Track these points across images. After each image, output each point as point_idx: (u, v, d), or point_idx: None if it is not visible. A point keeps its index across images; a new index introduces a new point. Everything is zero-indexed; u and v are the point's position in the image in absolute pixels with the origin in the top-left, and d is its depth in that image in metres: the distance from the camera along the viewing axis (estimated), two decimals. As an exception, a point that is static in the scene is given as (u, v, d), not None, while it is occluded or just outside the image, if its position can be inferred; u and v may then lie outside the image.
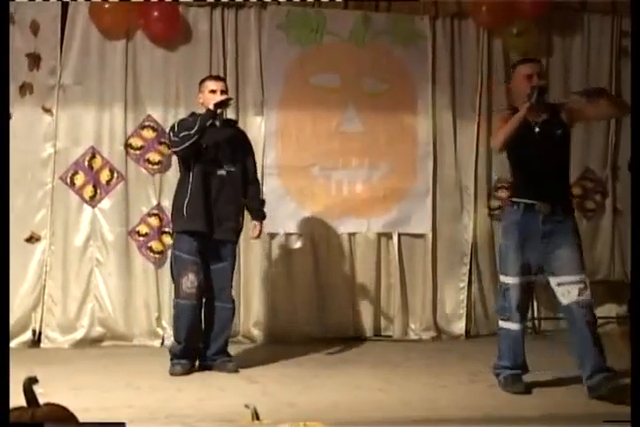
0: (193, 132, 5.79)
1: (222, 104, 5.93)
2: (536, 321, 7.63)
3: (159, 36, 7.06)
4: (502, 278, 5.43)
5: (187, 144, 5.82)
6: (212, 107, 5.86)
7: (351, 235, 7.48)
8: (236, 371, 5.93)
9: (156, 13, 6.93)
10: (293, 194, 7.39)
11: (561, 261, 5.20)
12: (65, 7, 6.91)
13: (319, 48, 7.43)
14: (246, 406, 4.31)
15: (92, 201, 7.01)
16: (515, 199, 5.37)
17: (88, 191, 7.00)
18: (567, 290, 5.14)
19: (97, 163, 7.02)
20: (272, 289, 7.30)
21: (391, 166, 7.53)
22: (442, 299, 7.60)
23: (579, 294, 5.14)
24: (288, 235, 7.36)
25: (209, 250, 5.94)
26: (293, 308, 7.32)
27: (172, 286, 6.16)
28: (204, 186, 5.89)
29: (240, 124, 7.18)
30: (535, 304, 7.63)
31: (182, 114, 6.93)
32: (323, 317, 7.37)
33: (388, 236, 7.54)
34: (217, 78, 6.17)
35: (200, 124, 5.80)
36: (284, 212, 7.33)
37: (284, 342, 7.07)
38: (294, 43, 7.37)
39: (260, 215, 6.18)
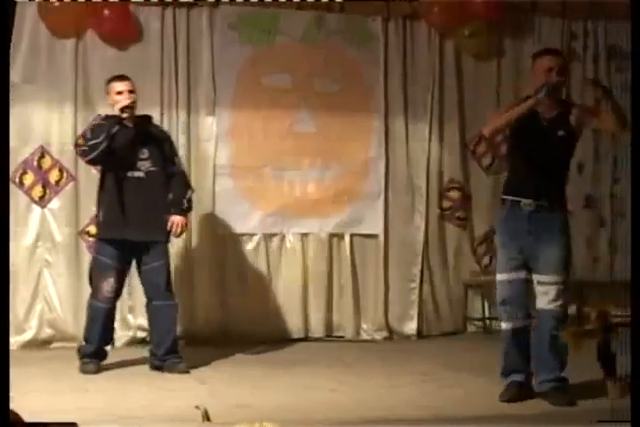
0: (100, 140, 5.74)
1: (128, 108, 5.85)
2: (487, 321, 7.68)
3: (110, 35, 6.99)
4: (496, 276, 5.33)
5: (94, 154, 5.77)
6: (117, 112, 5.82)
7: (303, 235, 7.47)
8: (187, 372, 5.90)
9: (106, 12, 6.87)
10: (245, 194, 7.36)
11: (544, 260, 5.11)
12: (13, 5, 6.80)
13: (272, 48, 7.42)
14: (197, 408, 4.29)
15: (42, 201, 6.94)
16: (503, 197, 5.28)
17: (37, 191, 6.93)
18: (545, 291, 5.09)
19: (46, 162, 6.95)
20: (224, 290, 7.28)
21: (343, 167, 7.54)
22: (394, 299, 7.62)
23: (555, 299, 5.07)
24: (239, 236, 7.33)
25: (137, 252, 5.91)
26: (245, 308, 7.28)
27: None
28: (118, 191, 5.84)
29: (191, 124, 7.19)
30: (486, 304, 7.70)
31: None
32: (274, 317, 7.35)
33: (340, 236, 7.54)
34: (122, 78, 6.00)
35: (106, 133, 5.75)
36: (236, 212, 7.31)
37: (235, 343, 7.04)
38: (246, 42, 7.35)
39: (177, 209, 5.99)
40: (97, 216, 6.07)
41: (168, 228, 5.94)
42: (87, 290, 6.90)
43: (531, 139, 5.12)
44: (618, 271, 8.09)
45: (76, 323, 6.90)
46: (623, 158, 8.08)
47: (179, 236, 6.08)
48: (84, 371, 5.89)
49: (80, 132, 6.97)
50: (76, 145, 6.14)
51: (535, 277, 5.15)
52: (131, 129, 5.90)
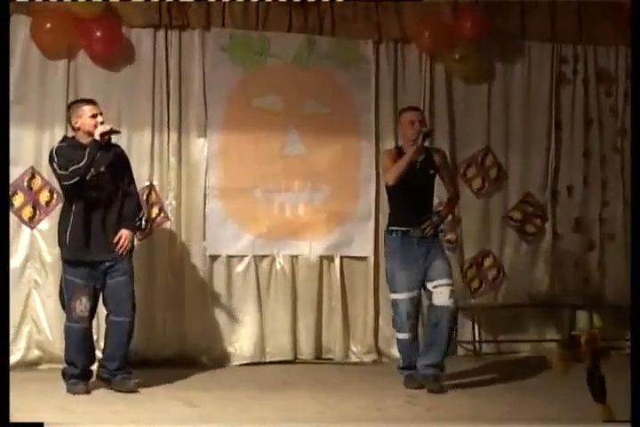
0: (82, 165, 5.72)
1: (108, 133, 5.89)
2: (477, 344, 7.67)
3: (101, 56, 7.01)
4: (392, 296, 6.24)
5: (77, 179, 5.72)
6: (98, 137, 5.81)
7: (293, 257, 7.46)
8: (136, 391, 5.86)
9: (98, 33, 6.89)
10: (235, 216, 7.36)
11: (436, 270, 6.14)
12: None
13: (262, 70, 7.45)
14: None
15: (31, 222, 6.93)
16: (392, 228, 6.23)
17: (27, 212, 6.92)
18: (440, 291, 6.09)
19: (36, 183, 6.95)
20: (213, 311, 7.26)
21: (333, 189, 7.55)
22: (383, 322, 7.58)
23: (449, 297, 6.08)
24: (230, 257, 7.33)
25: (103, 268, 5.89)
26: (233, 330, 7.27)
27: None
28: (86, 214, 5.82)
29: (182, 146, 7.21)
30: (476, 327, 7.69)
31: (124, 134, 6.87)
32: (263, 340, 7.32)
33: (330, 258, 7.54)
34: (91, 102, 6.00)
35: (89, 158, 5.73)
36: (226, 234, 7.32)
37: (223, 366, 7.02)
38: (237, 65, 7.38)
39: (127, 223, 5.98)
40: (59, 237, 5.94)
41: (115, 240, 5.92)
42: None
43: (411, 179, 6.10)
44: (608, 295, 8.09)
45: (63, 344, 6.84)
46: (612, 182, 8.10)
47: (124, 250, 5.97)
48: (72, 391, 5.83)
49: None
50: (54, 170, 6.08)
51: (430, 284, 6.12)
52: (107, 153, 5.93)
